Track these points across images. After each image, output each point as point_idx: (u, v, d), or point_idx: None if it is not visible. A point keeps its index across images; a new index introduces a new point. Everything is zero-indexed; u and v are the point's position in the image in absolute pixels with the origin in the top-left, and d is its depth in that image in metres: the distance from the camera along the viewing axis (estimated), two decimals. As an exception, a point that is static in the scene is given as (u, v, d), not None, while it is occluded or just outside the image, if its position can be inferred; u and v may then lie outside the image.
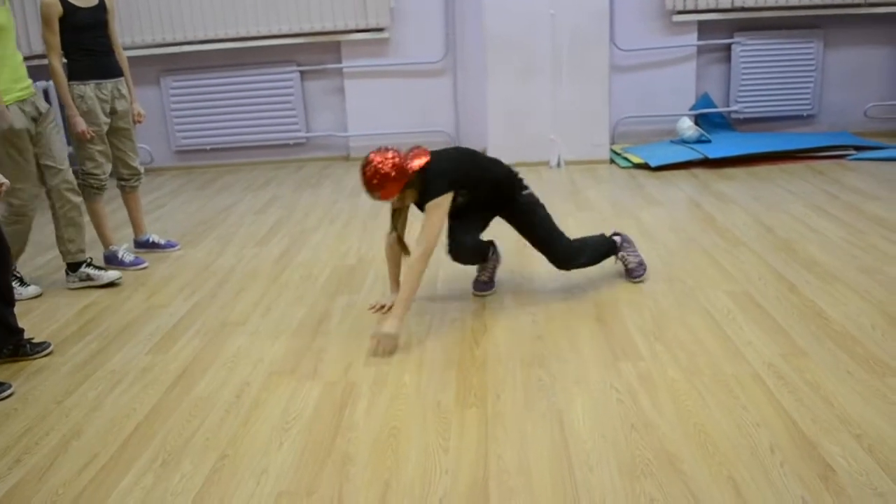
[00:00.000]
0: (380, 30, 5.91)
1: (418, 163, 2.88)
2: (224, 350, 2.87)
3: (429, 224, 2.85)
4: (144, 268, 3.85)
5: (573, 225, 4.11)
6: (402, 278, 2.98)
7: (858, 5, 5.69)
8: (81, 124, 3.62)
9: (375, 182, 2.79)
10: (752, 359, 2.55)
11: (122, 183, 3.98)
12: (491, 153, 5.64)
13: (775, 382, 2.39)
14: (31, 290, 3.54)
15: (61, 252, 3.58)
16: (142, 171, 4.02)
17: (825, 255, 3.48)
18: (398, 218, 3.04)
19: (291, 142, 6.22)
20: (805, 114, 6.00)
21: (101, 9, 3.67)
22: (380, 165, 2.78)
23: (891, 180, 4.68)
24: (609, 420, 2.24)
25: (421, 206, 2.94)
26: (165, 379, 2.67)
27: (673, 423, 2.20)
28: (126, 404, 2.50)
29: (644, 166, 5.40)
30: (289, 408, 2.42)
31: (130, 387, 2.62)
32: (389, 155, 2.81)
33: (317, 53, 6.06)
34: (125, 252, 3.87)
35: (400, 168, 2.80)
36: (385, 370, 2.63)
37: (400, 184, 2.82)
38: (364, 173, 2.80)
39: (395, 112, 6.12)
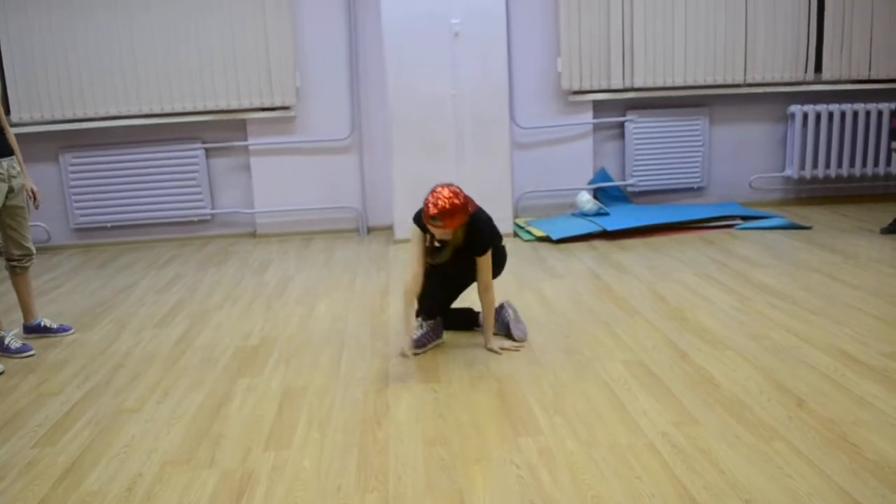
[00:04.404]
0: (286, 108, 5.96)
1: (471, 206, 3.28)
2: (117, 440, 2.76)
3: (487, 270, 3.40)
4: (31, 355, 3.68)
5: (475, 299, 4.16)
6: (484, 311, 3.50)
7: (739, 85, 6.12)
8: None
9: (450, 209, 3.12)
10: (646, 428, 2.63)
11: (13, 264, 3.81)
12: (397, 229, 5.72)
13: (669, 451, 2.46)
14: None
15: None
16: (34, 251, 3.88)
17: (715, 322, 3.64)
18: (438, 253, 3.39)
19: (196, 219, 6.14)
20: (696, 186, 6.33)
21: None
22: (455, 197, 3.15)
23: (775, 248, 4.97)
24: (509, 498, 2.25)
25: (464, 246, 3.33)
26: (52, 473, 2.54)
27: (571, 498, 2.23)
28: (8, 503, 2.37)
29: (546, 239, 5.56)
30: (183, 500, 2.33)
31: (13, 483, 2.48)
32: (459, 191, 3.20)
33: (222, 131, 6.05)
34: (13, 338, 3.70)
35: (466, 204, 3.20)
36: (285, 455, 2.58)
37: (463, 219, 3.20)
38: (442, 199, 3.13)
39: (303, 189, 6.14)
